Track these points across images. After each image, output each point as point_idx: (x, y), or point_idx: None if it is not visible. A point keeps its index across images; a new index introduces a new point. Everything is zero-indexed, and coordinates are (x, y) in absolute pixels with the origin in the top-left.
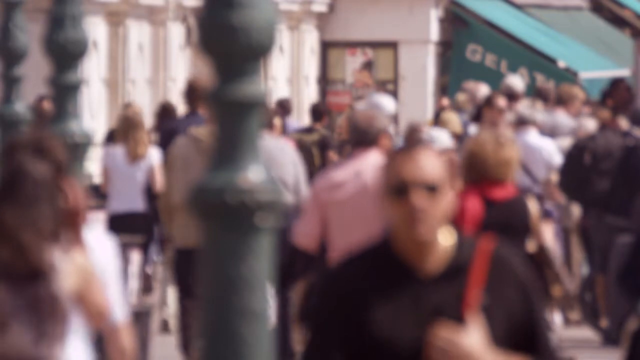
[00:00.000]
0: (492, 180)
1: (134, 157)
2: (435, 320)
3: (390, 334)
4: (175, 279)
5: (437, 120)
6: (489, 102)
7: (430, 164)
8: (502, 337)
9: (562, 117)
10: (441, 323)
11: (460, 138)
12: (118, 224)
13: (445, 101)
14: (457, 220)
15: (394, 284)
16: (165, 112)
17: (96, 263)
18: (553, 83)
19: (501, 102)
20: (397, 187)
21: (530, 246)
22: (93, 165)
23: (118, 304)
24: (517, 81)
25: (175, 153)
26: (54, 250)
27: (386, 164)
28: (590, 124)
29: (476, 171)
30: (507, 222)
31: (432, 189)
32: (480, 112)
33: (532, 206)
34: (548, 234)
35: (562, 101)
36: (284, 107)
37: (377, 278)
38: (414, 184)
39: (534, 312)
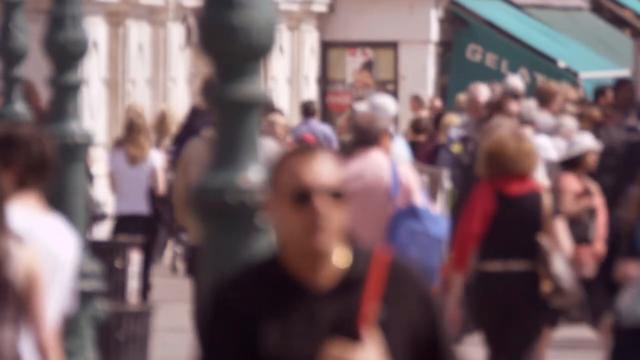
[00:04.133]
0: (511, 175)
1: (134, 159)
2: (329, 337)
3: (282, 353)
4: (191, 276)
5: (438, 124)
6: (499, 106)
7: (332, 169)
8: (403, 352)
9: (542, 117)
10: (334, 340)
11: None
12: (122, 226)
13: (438, 102)
14: (467, 216)
15: (284, 300)
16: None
17: (49, 252)
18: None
19: (514, 106)
20: (298, 193)
21: (542, 240)
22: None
23: (60, 300)
24: (518, 81)
25: (189, 153)
26: (6, 237)
27: (278, 166)
28: (570, 122)
29: (495, 166)
30: (519, 217)
31: (337, 195)
32: (489, 116)
33: (546, 201)
34: (561, 230)
35: (543, 100)
36: (307, 109)
37: (267, 295)
38: (319, 190)
39: (437, 326)
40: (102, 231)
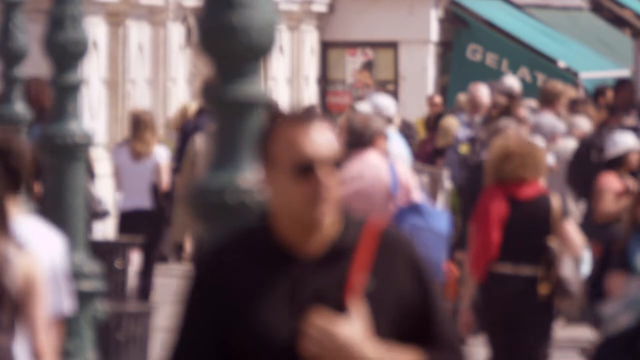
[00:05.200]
0: (519, 180)
1: (137, 155)
2: (314, 307)
3: (266, 322)
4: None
5: (437, 125)
6: (509, 112)
7: (330, 137)
8: (391, 326)
9: (547, 118)
10: (318, 310)
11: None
12: (126, 222)
13: (438, 99)
14: (481, 220)
15: (271, 267)
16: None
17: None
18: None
19: (522, 112)
20: (301, 165)
21: (552, 243)
22: (100, 166)
23: (55, 300)
24: (515, 82)
25: (195, 150)
26: (6, 243)
27: (274, 136)
28: (583, 123)
29: (503, 171)
30: (530, 220)
31: (337, 165)
32: (498, 117)
33: (555, 204)
34: (572, 231)
35: (548, 100)
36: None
37: (253, 261)
38: (321, 161)
39: (429, 298)
40: (104, 229)
